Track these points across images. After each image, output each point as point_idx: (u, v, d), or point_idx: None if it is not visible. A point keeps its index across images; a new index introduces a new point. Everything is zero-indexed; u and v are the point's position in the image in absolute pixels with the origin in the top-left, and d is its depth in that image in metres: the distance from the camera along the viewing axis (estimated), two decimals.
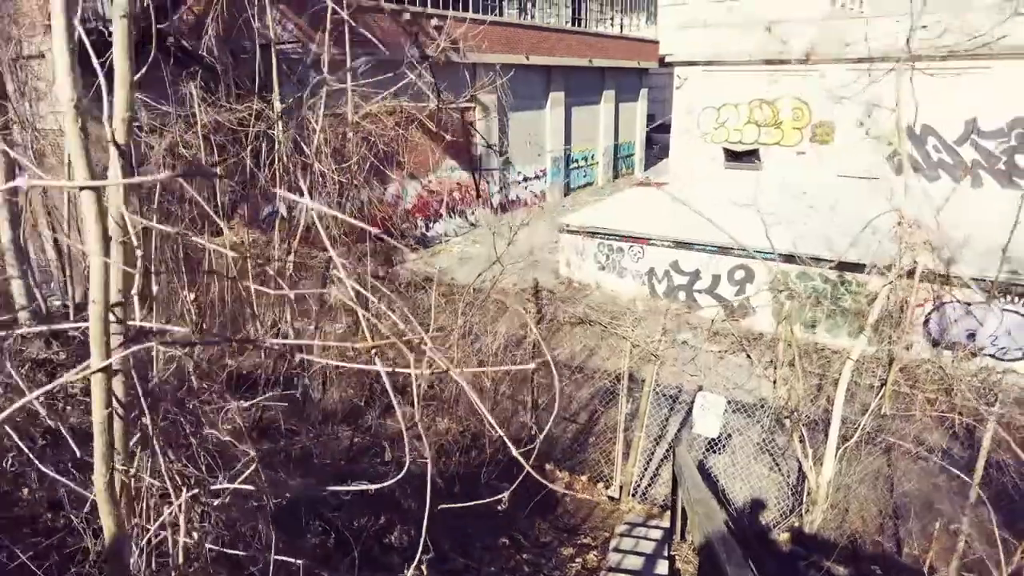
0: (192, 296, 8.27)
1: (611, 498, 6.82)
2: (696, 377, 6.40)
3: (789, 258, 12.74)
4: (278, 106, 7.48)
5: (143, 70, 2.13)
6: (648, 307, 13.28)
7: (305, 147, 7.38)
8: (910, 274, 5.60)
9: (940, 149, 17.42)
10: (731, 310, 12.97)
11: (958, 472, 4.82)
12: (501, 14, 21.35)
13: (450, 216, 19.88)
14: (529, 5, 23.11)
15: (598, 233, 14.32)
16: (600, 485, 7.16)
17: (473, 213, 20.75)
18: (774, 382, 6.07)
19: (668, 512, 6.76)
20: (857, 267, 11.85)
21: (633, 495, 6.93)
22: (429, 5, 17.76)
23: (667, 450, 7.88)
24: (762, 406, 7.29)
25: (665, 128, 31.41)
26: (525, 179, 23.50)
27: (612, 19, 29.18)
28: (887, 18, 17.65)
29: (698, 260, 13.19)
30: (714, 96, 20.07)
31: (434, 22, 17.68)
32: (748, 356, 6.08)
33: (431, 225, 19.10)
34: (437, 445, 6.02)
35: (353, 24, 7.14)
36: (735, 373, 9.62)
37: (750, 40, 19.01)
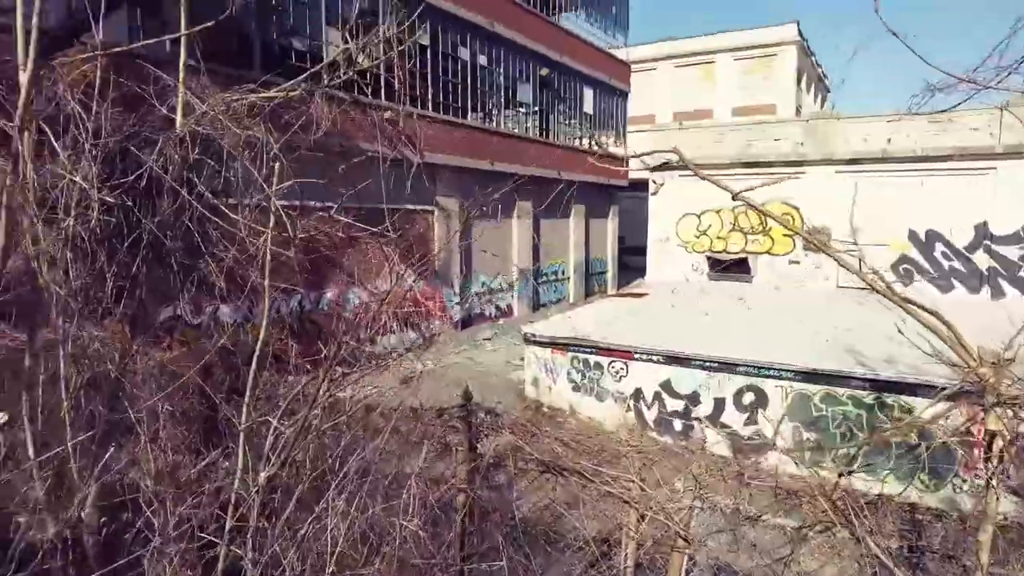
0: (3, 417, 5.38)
1: None
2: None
3: (810, 376, 10.37)
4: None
5: None
6: (636, 438, 10.52)
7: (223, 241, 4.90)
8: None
9: (950, 256, 15.74)
10: (740, 446, 10.26)
11: None
12: (464, 117, 20.07)
13: (401, 329, 17.25)
14: (494, 112, 22.02)
15: (571, 345, 11.77)
16: None
17: (429, 327, 18.18)
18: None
19: None
20: (898, 387, 9.46)
21: None
22: (384, 99, 16.20)
23: None
24: None
25: (636, 250, 30.10)
26: (490, 292, 21.25)
27: (581, 137, 28.53)
28: (876, 120, 16.63)
29: (695, 379, 10.61)
30: (693, 202, 18.56)
31: (387, 115, 16.07)
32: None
33: (378, 338, 16.40)
34: None
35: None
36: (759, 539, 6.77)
37: (730, 143, 17.80)
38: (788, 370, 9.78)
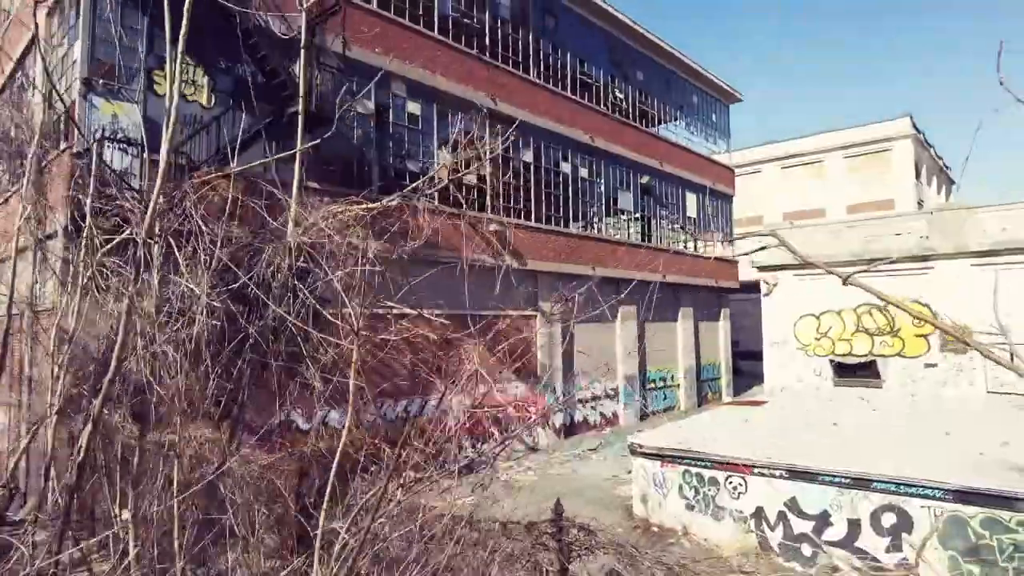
0: (126, 515, 5.66)
1: None
2: None
3: (966, 496, 8.95)
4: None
5: None
6: (757, 562, 9.39)
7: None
8: None
9: None
10: None
11: None
12: (566, 226, 20.50)
13: (502, 434, 16.94)
14: (596, 220, 22.37)
15: (683, 458, 10.97)
16: None
17: (531, 435, 17.75)
18: None
19: None
20: None
21: None
22: (489, 212, 16.93)
23: None
24: None
25: (752, 355, 28.49)
26: (594, 398, 20.64)
27: (686, 241, 28.23)
28: (1015, 207, 15.24)
29: (825, 497, 9.47)
30: (811, 302, 17.45)
31: (492, 227, 16.70)
32: None
33: (479, 447, 16.15)
34: None
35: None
36: None
37: (847, 240, 16.84)
38: (936, 488, 8.52)
